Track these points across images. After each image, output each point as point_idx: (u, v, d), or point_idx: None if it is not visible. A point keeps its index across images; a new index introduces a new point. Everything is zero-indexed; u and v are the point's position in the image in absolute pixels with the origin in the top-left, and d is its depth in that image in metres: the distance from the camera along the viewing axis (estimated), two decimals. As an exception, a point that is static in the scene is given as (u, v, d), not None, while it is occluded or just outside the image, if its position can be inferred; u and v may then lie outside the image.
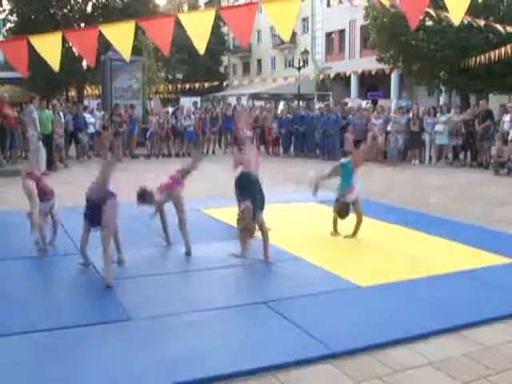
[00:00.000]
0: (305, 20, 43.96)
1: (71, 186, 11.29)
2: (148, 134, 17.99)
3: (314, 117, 18.04)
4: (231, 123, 19.04)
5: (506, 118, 14.53)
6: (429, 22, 10.29)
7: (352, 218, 6.96)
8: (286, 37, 6.57)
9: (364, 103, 23.91)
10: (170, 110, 21.49)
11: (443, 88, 25.79)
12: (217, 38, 42.59)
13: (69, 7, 29.26)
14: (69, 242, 6.42)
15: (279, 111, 20.16)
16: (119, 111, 17.53)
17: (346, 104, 21.21)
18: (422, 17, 8.92)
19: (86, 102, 26.01)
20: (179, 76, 39.79)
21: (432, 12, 9.40)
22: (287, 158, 17.92)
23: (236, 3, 38.81)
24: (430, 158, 16.15)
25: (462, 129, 15.48)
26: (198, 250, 6.12)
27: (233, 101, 21.88)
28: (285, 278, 5.32)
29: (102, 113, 17.69)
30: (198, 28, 6.26)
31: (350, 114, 18.00)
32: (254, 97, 35.04)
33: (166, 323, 4.19)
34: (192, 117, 18.48)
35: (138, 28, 6.31)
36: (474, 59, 19.77)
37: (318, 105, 23.36)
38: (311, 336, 3.94)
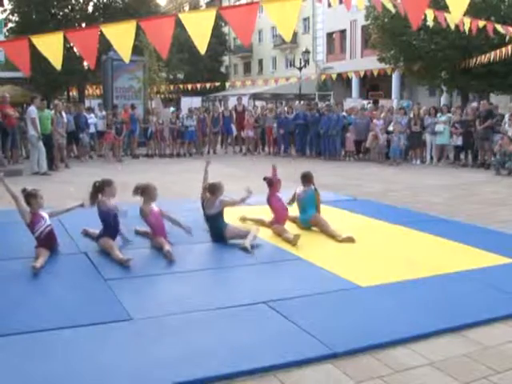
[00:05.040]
0: (306, 20, 43.96)
1: (72, 186, 11.29)
2: (148, 133, 17.99)
3: (315, 117, 17.98)
4: (230, 124, 19.15)
5: (506, 117, 14.54)
6: (430, 22, 10.25)
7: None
8: (288, 36, 6.56)
9: (365, 103, 23.88)
10: (171, 109, 21.50)
11: (444, 88, 25.79)
12: (218, 38, 42.60)
13: (70, 7, 29.29)
14: (69, 242, 6.41)
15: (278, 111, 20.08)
16: (117, 112, 17.53)
17: (339, 104, 21.16)
18: (423, 17, 8.91)
19: (87, 102, 26.04)
20: (180, 76, 39.78)
21: (432, 13, 9.38)
22: (287, 158, 17.90)
23: (237, 3, 38.79)
24: (431, 157, 16.15)
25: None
26: (198, 250, 6.12)
27: (234, 101, 21.88)
28: (285, 278, 5.31)
29: (104, 113, 17.69)
30: (199, 28, 6.26)
31: (350, 114, 17.99)
32: (255, 97, 35.02)
33: (166, 323, 4.19)
34: (193, 117, 18.49)
35: (138, 28, 6.31)
36: (474, 59, 19.76)
37: (319, 105, 23.31)
38: (312, 336, 3.94)
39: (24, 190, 5.93)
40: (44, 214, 5.99)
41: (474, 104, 17.39)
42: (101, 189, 6.17)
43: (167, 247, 5.92)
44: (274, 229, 7.02)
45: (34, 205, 5.90)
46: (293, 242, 6.49)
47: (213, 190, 6.62)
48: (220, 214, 6.65)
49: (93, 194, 6.19)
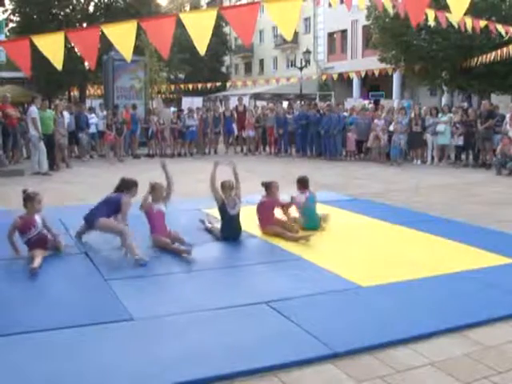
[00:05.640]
0: (307, 20, 43.97)
1: (73, 186, 11.32)
2: (149, 133, 17.99)
3: (316, 117, 17.94)
4: (232, 124, 19.16)
5: (507, 117, 14.54)
6: (431, 22, 10.27)
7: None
8: (289, 36, 6.56)
9: (366, 103, 23.86)
10: (172, 109, 21.50)
11: (445, 88, 25.78)
12: (219, 38, 42.60)
13: (71, 7, 29.33)
14: (70, 242, 6.41)
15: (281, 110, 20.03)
16: (117, 113, 17.53)
17: (340, 104, 21.12)
18: (424, 17, 8.89)
19: (88, 102, 26.03)
20: (181, 76, 39.80)
21: (433, 13, 9.38)
22: (288, 158, 17.89)
23: (238, 3, 38.80)
24: (432, 158, 16.14)
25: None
26: (199, 250, 6.11)
27: (235, 101, 21.86)
28: (286, 278, 5.31)
29: (105, 113, 17.69)
30: (200, 28, 6.26)
31: (352, 114, 17.97)
32: (256, 97, 35.03)
33: (168, 323, 4.19)
34: (195, 117, 18.47)
35: (139, 28, 6.31)
36: (475, 59, 19.76)
37: (319, 105, 23.30)
38: (313, 336, 3.94)
39: (24, 192, 5.92)
40: (38, 218, 5.90)
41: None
42: (129, 186, 6.50)
43: (171, 244, 6.10)
44: (272, 229, 6.99)
45: (30, 208, 5.86)
46: (305, 238, 6.54)
47: (232, 186, 6.73)
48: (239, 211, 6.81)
49: (117, 188, 6.51)
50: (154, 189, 6.46)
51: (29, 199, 5.84)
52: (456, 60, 21.47)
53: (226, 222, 6.71)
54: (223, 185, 6.73)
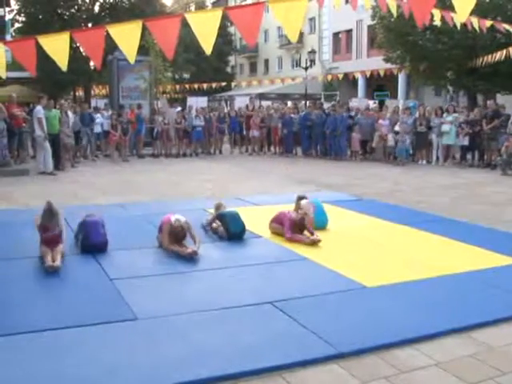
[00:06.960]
0: (312, 20, 43.96)
1: (78, 186, 11.33)
2: (155, 133, 18.02)
3: (321, 117, 17.92)
4: (237, 123, 19.17)
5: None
6: (437, 22, 10.28)
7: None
8: (294, 37, 6.56)
9: (370, 103, 23.82)
10: (178, 109, 21.53)
11: (450, 88, 25.71)
12: (224, 38, 42.64)
13: (76, 7, 29.37)
14: (75, 242, 6.42)
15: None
16: (122, 113, 17.55)
17: (344, 104, 21.11)
18: (429, 17, 8.86)
19: (93, 102, 26.04)
20: (186, 76, 39.83)
21: (439, 13, 9.36)
22: (291, 158, 17.89)
23: (243, 3, 38.79)
24: (438, 158, 16.10)
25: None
26: (203, 250, 6.12)
27: (240, 101, 21.85)
28: (291, 278, 5.31)
29: (110, 112, 17.72)
30: (205, 28, 6.27)
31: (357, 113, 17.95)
32: (261, 97, 35.02)
33: (172, 323, 4.20)
34: (201, 117, 18.47)
35: (144, 28, 6.32)
36: (481, 59, 19.70)
37: (325, 105, 23.30)
38: (317, 336, 3.93)
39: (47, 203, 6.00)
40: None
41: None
42: None
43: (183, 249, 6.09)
44: (275, 229, 7.00)
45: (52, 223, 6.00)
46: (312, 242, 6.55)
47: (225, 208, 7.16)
48: None
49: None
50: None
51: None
52: (461, 60, 21.40)
53: (228, 219, 6.81)
54: (217, 206, 7.22)
